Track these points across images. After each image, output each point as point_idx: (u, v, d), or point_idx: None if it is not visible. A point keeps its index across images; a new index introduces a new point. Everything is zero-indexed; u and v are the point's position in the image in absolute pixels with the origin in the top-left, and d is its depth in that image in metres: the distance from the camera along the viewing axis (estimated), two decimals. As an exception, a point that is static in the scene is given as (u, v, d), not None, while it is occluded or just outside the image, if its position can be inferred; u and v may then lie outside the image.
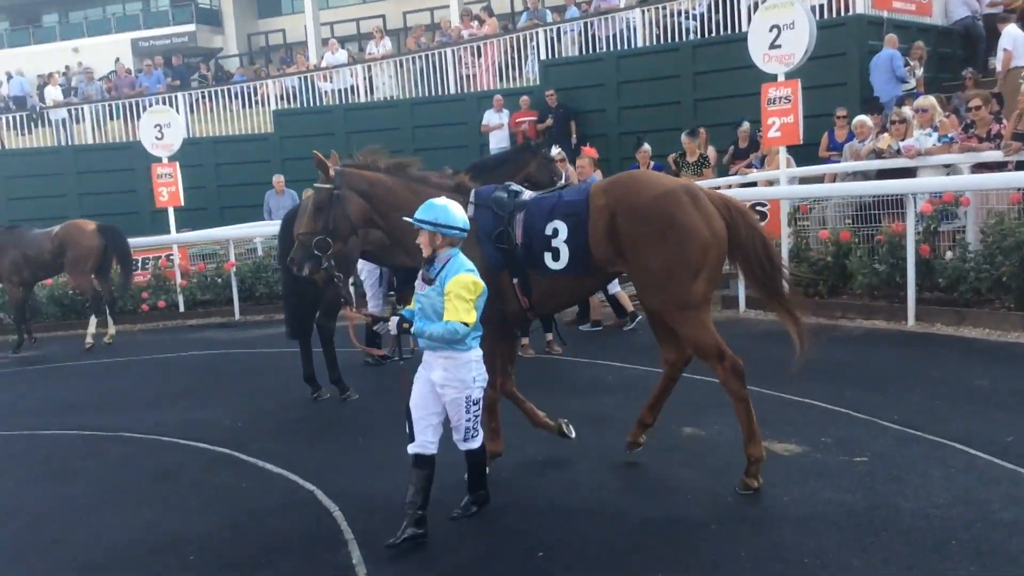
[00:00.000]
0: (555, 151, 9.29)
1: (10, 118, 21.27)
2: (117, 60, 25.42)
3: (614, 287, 9.70)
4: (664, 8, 16.26)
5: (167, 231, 14.40)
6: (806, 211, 10.41)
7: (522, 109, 16.49)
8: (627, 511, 4.76)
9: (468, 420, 4.51)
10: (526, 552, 4.38)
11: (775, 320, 9.52)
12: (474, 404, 4.50)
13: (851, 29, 14.05)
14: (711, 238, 4.76)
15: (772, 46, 10.47)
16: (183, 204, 14.48)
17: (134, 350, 11.44)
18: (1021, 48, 12.57)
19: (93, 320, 11.89)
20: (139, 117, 17.68)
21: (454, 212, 4.42)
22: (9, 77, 25.30)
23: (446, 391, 4.45)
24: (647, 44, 16.42)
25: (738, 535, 4.36)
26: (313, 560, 4.52)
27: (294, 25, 31.07)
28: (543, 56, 17.53)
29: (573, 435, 5.68)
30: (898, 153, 10.25)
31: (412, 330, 4.42)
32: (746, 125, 13.21)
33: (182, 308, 13.91)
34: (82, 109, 20.94)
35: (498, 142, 16.54)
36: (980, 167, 9.60)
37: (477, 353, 4.48)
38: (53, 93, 21.96)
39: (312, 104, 19.85)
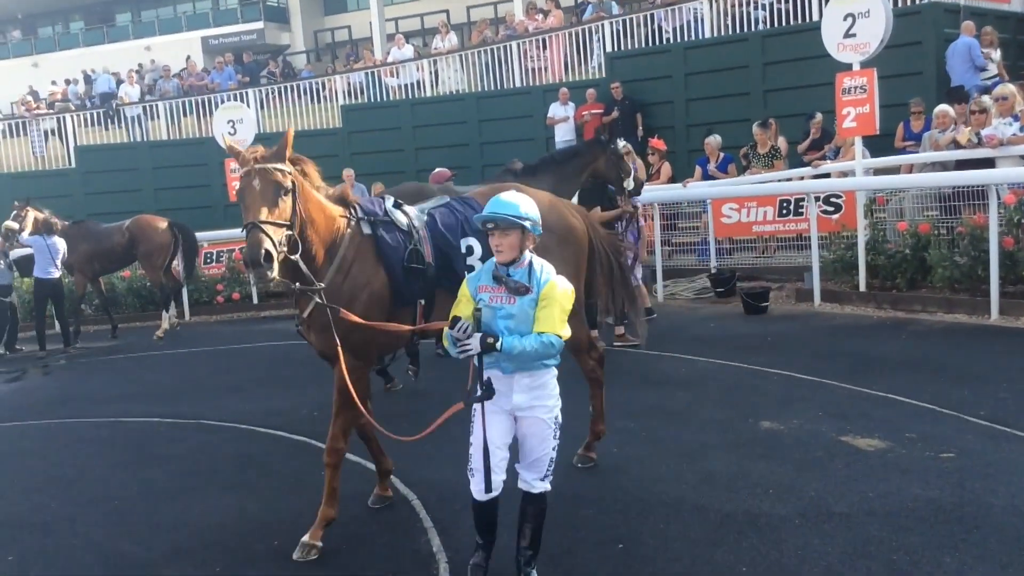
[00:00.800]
0: (621, 144, 9.23)
1: (88, 115, 21.89)
2: (188, 58, 25.99)
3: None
4: (732, -2, 16.06)
5: (240, 226, 14.62)
6: (883, 203, 10.20)
7: (588, 102, 16.42)
8: (706, 505, 4.71)
9: (553, 450, 3.91)
10: (605, 544, 4.37)
11: (851, 314, 9.46)
12: (559, 429, 3.92)
13: (927, 17, 13.69)
14: (586, 242, 5.31)
15: (847, 35, 10.25)
16: (255, 198, 14.71)
17: (210, 341, 11.70)
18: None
19: (165, 315, 12.34)
20: (211, 113, 18.12)
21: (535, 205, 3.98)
22: (87, 77, 26.06)
23: (530, 418, 3.85)
24: (715, 35, 16.23)
25: (823, 530, 4.29)
26: (394, 548, 4.57)
27: (360, 21, 31.37)
28: (609, 48, 17.44)
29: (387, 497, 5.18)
30: (979, 143, 9.97)
31: (501, 347, 3.70)
32: (819, 116, 12.97)
33: (256, 300, 14.18)
34: (156, 106, 21.47)
35: (564, 135, 16.50)
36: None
37: (555, 371, 3.95)
38: (131, 91, 22.52)
39: (379, 99, 20.03)
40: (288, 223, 4.21)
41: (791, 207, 11.32)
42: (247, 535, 4.87)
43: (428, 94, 19.57)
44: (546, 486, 3.92)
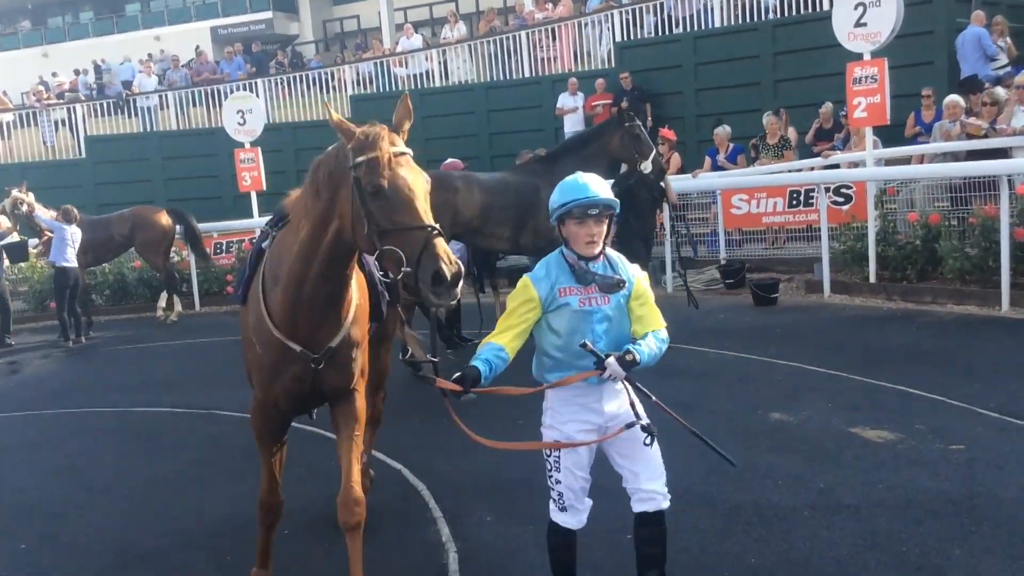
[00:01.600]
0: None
1: (98, 105, 21.93)
2: (197, 48, 25.98)
3: None
4: (742, -13, 15.98)
5: (250, 216, 14.68)
6: (894, 193, 10.16)
7: (597, 92, 16.37)
8: (715, 496, 4.72)
9: (659, 456, 3.45)
10: (613, 533, 4.37)
11: (861, 306, 9.43)
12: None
13: (938, 6, 13.62)
14: None
15: (857, 24, 10.20)
16: (264, 189, 14.76)
17: (220, 331, 11.71)
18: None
19: (175, 299, 12.72)
20: (220, 104, 18.12)
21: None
22: (98, 68, 26.10)
23: (623, 425, 3.34)
24: (725, 24, 16.15)
25: (832, 522, 4.29)
26: (404, 537, 4.59)
27: (368, 11, 31.25)
28: (618, 38, 17.37)
29: None
30: (992, 132, 9.91)
31: (642, 362, 3.21)
32: (828, 106, 12.91)
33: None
34: (166, 96, 21.49)
35: (573, 125, 16.45)
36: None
37: None
38: (147, 81, 22.54)
39: (388, 89, 20.01)
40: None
41: (801, 198, 11.29)
42: (257, 525, 4.88)
43: (437, 84, 19.54)
44: (667, 502, 3.47)
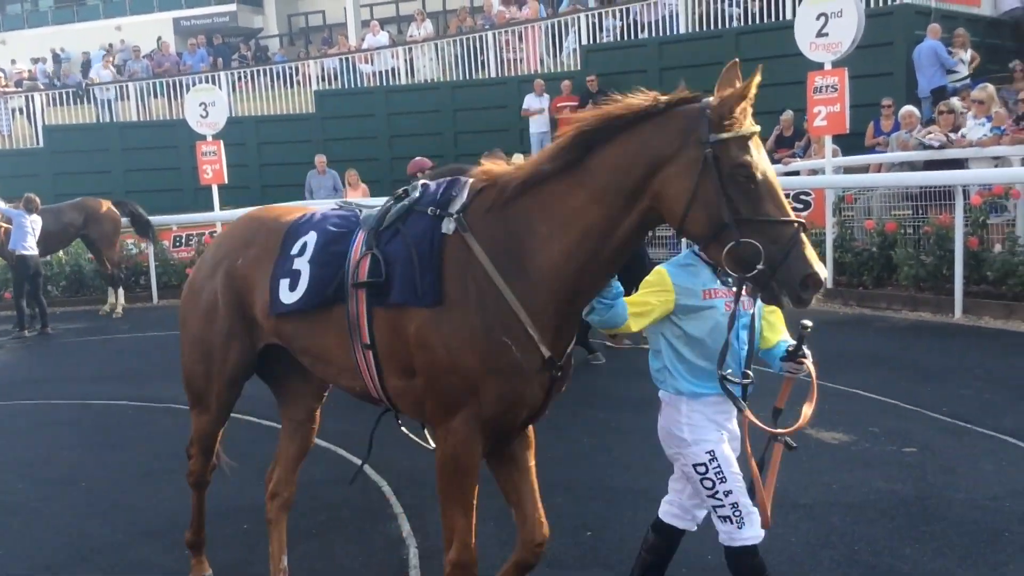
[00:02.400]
0: None
1: (56, 94, 21.55)
2: (159, 39, 25.63)
3: None
4: (707, -6, 16.16)
5: (211, 209, 14.55)
6: (851, 201, 10.34)
7: (563, 94, 16.45)
8: (674, 494, 4.77)
9: None
10: (575, 530, 4.42)
11: (818, 310, 9.56)
12: None
13: (899, 18, 13.90)
14: None
15: (819, 34, 10.38)
16: (226, 182, 14.63)
17: (178, 324, 11.60)
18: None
19: (120, 291, 12.93)
20: (182, 95, 17.93)
21: None
22: (56, 56, 25.64)
23: (735, 443, 3.28)
24: (689, 31, 16.32)
25: (787, 521, 4.36)
26: (364, 533, 4.60)
27: (334, 6, 31.04)
28: (585, 41, 17.48)
29: None
30: (947, 143, 10.12)
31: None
32: (789, 114, 13.10)
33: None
34: (127, 86, 21.18)
35: (539, 127, 16.52)
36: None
37: None
38: (103, 73, 22.17)
39: (353, 85, 19.92)
40: None
41: (761, 203, 11.40)
42: (216, 519, 4.83)
43: (403, 82, 19.50)
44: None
